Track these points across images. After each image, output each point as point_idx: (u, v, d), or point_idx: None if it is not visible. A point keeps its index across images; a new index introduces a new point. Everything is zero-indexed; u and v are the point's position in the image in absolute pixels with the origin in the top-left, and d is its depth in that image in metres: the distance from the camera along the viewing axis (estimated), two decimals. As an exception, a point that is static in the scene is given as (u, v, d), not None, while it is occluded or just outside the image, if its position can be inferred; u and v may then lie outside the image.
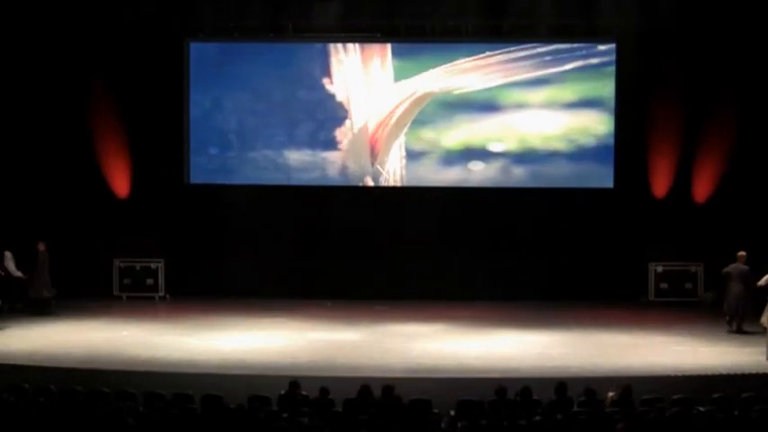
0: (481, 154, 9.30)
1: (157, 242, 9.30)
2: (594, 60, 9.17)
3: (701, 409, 5.07)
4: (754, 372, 6.44)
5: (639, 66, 9.05)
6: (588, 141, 9.23)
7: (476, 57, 9.18)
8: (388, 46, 9.27)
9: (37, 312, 8.44)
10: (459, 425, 5.02)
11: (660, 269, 9.17)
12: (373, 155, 9.31)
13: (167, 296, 9.32)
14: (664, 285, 9.17)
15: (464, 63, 9.21)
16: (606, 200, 9.23)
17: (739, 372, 6.42)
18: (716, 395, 5.31)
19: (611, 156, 9.17)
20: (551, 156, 9.26)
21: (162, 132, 9.30)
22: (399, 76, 9.26)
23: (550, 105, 9.22)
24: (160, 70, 9.25)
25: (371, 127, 9.31)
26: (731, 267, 7.91)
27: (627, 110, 9.09)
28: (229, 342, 7.54)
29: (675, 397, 5.20)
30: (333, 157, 9.38)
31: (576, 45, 9.18)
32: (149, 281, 9.35)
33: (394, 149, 9.33)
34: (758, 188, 9.00)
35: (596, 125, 9.20)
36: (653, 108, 9.09)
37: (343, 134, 9.35)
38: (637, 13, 9.01)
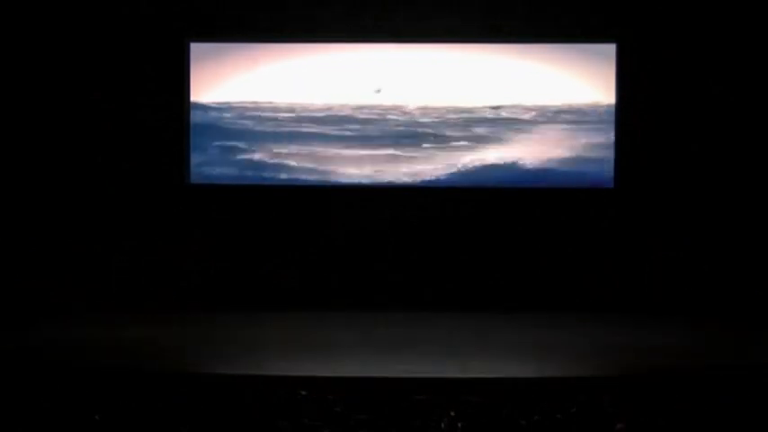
0: (479, 154, 9.32)
1: (157, 242, 9.28)
2: (595, 60, 9.17)
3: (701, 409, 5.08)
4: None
5: (640, 65, 9.04)
6: (588, 141, 9.23)
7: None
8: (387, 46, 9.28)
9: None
10: (459, 425, 5.02)
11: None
12: None
13: (167, 295, 9.29)
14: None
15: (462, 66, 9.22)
16: (606, 200, 9.23)
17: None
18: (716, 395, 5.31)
19: (612, 156, 9.16)
20: (551, 155, 9.25)
21: (162, 132, 9.28)
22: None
23: (550, 105, 9.22)
24: (160, 70, 9.23)
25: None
26: None
27: (627, 110, 9.08)
28: (229, 342, 7.55)
29: (676, 397, 5.20)
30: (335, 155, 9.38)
31: (575, 45, 9.18)
32: (150, 281, 9.32)
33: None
34: (759, 188, 9.00)
35: (596, 125, 9.20)
36: (654, 108, 9.08)
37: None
38: (637, 13, 9.01)
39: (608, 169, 9.17)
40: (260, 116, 9.38)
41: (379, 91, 8.84)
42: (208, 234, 9.37)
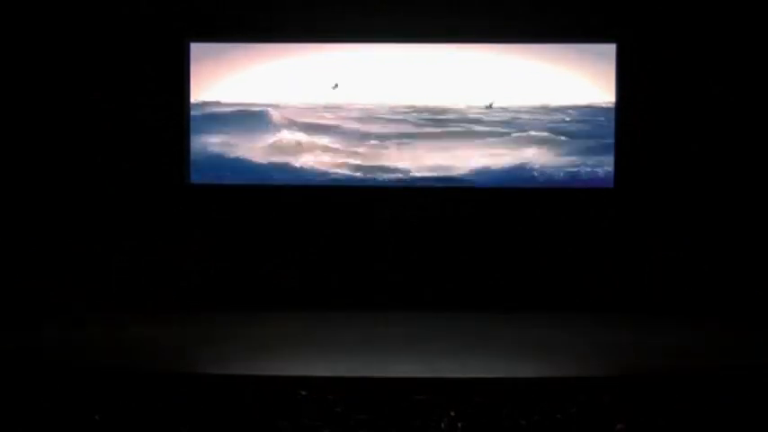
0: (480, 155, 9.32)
1: (157, 242, 9.28)
2: (595, 60, 9.16)
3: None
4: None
5: (640, 65, 9.04)
6: (588, 141, 9.23)
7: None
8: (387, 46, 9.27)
9: None
10: (459, 425, 5.02)
11: (661, 270, 9.16)
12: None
13: (168, 295, 9.29)
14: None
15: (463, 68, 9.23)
16: (606, 200, 9.22)
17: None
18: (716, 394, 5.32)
19: (612, 155, 9.16)
20: (551, 155, 9.25)
21: (162, 132, 9.28)
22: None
23: (550, 105, 9.22)
24: (160, 70, 9.22)
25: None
26: None
27: (627, 110, 9.07)
28: (229, 342, 7.55)
29: (676, 397, 5.20)
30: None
31: (575, 45, 9.17)
32: (150, 281, 9.32)
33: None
34: (759, 188, 8.99)
35: (596, 125, 9.20)
36: (654, 108, 9.08)
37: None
38: (637, 13, 9.01)
39: (608, 169, 9.17)
40: (260, 115, 9.39)
41: (336, 86, 8.85)
42: (208, 234, 9.36)
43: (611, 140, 9.16)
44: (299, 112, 9.33)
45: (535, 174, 9.27)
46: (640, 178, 9.17)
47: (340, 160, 9.35)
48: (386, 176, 9.32)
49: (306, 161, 9.34)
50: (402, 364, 6.82)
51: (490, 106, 9.12)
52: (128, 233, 9.28)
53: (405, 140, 9.32)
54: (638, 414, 4.93)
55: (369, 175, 9.33)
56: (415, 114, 9.32)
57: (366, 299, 9.06)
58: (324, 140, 9.33)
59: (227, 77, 9.34)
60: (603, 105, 9.17)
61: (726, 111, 9.00)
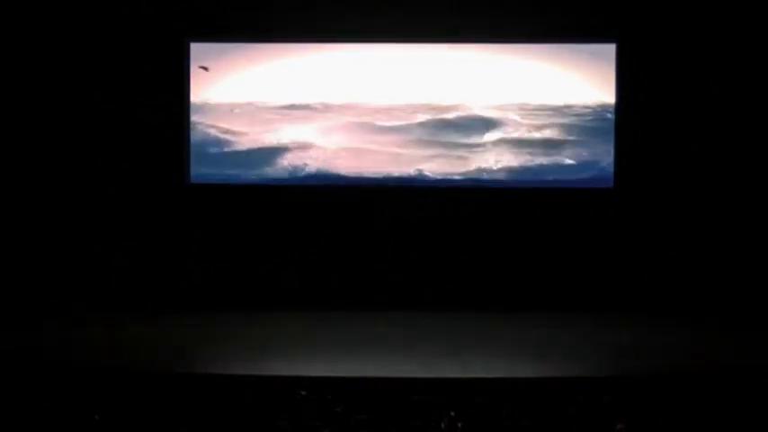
0: (479, 155, 9.32)
1: (157, 242, 9.28)
2: (595, 60, 9.17)
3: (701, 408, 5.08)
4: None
5: (640, 65, 9.04)
6: (588, 141, 9.23)
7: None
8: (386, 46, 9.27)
9: None
10: (459, 425, 5.02)
11: (660, 270, 9.16)
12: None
13: (168, 295, 9.29)
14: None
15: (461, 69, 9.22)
16: (606, 200, 9.22)
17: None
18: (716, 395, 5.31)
19: (612, 156, 9.16)
20: (550, 155, 9.25)
21: (162, 132, 9.28)
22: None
23: (549, 105, 9.22)
24: (160, 70, 9.22)
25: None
26: None
27: (627, 110, 9.07)
28: (229, 342, 7.56)
29: (676, 397, 5.20)
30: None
31: (576, 45, 9.18)
32: (150, 281, 9.31)
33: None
34: (759, 188, 8.99)
35: (596, 125, 9.20)
36: (654, 108, 9.08)
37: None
38: (637, 13, 9.02)
39: (608, 169, 9.18)
40: (260, 115, 9.38)
41: (207, 69, 8.82)
42: (208, 234, 9.35)
43: (611, 140, 9.16)
44: (298, 112, 9.38)
45: (535, 173, 9.28)
46: (640, 178, 9.17)
47: (340, 160, 9.37)
48: (386, 176, 9.35)
49: (306, 161, 9.37)
50: (402, 364, 6.82)
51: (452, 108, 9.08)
52: (128, 233, 9.28)
53: (405, 140, 9.33)
54: (638, 414, 4.93)
55: (369, 175, 9.36)
56: (414, 114, 9.32)
57: (366, 299, 9.06)
58: (323, 140, 9.36)
59: (227, 77, 9.39)
60: (603, 105, 9.17)
61: (726, 111, 9.01)
